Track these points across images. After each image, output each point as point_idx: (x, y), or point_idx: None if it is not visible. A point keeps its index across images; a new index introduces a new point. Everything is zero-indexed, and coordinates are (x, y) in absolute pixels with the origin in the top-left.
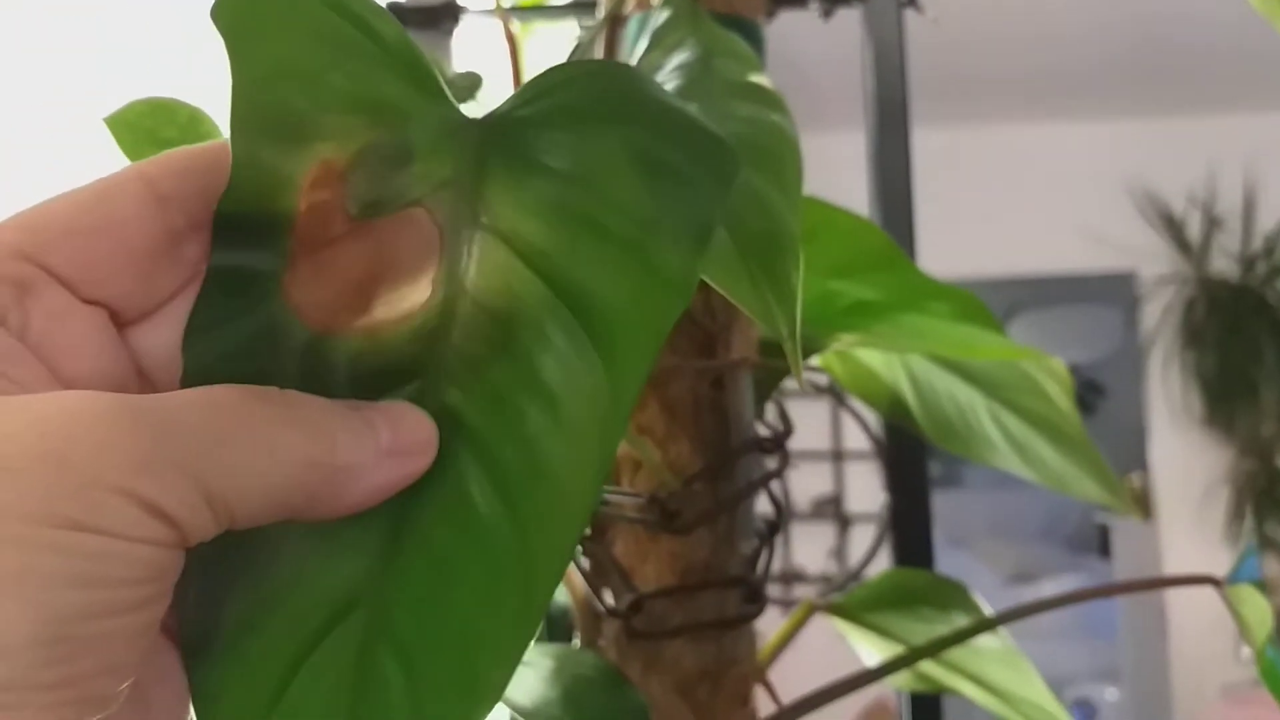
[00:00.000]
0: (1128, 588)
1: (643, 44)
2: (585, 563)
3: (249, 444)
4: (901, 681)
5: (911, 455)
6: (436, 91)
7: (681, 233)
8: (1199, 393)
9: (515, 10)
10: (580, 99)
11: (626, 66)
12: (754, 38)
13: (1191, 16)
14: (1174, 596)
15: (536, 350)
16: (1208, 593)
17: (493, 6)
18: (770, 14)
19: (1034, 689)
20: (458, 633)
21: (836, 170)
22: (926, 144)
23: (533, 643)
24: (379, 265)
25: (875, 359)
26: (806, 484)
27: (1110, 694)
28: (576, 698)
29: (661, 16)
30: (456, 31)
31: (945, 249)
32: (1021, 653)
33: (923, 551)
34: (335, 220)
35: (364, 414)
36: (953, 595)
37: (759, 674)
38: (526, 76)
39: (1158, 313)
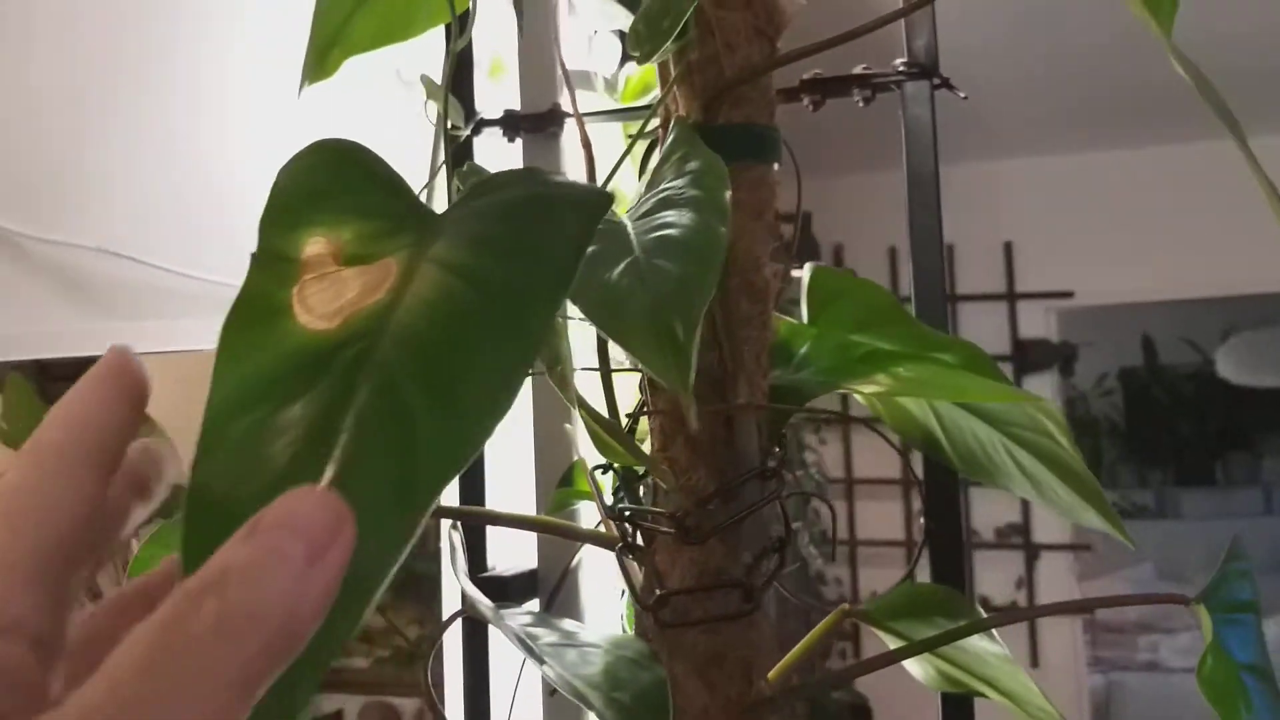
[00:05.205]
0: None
1: (657, 156)
2: (638, 568)
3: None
4: (930, 681)
5: (946, 482)
6: (409, 199)
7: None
8: None
9: (616, 112)
10: (503, 192)
11: (533, 171)
12: (768, 141)
13: None
14: None
15: (460, 318)
16: None
17: (593, 111)
18: (817, 107)
19: (1034, 694)
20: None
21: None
22: (1136, 162)
23: (595, 629)
24: (354, 287)
25: (908, 400)
26: (990, 513)
27: None
28: (615, 670)
29: (671, 135)
30: (562, 136)
31: (1162, 270)
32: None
33: (955, 572)
34: (328, 266)
35: (260, 539)
36: (961, 606)
37: (765, 660)
38: (602, 172)
39: None
